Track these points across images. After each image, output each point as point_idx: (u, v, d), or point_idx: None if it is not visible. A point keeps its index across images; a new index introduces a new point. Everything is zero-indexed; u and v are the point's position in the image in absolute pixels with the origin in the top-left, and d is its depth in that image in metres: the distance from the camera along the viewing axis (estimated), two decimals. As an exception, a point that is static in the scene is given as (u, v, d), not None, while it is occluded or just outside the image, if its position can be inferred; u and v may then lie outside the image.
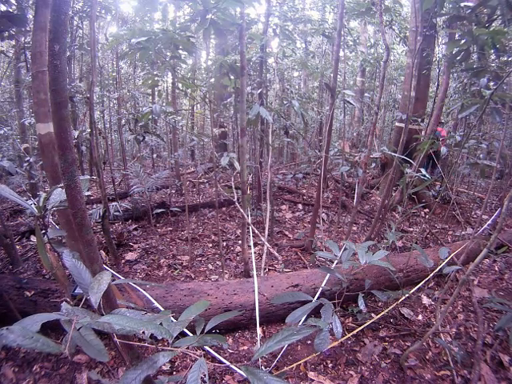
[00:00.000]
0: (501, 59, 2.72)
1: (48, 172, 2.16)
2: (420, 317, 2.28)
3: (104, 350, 0.71)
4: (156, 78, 3.09)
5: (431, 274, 2.25)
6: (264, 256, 2.80)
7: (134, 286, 2.00)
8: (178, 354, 1.60)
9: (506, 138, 6.85)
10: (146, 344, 1.17)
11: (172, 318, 1.04)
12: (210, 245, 3.48)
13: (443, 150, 3.28)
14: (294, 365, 1.76)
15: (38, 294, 1.98)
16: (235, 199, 2.96)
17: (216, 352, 1.70)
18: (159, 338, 0.80)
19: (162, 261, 3.02)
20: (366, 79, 8.26)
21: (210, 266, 3.01)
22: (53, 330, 1.76)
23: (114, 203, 3.68)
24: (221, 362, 1.61)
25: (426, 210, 4.71)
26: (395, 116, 6.24)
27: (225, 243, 3.46)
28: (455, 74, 4.94)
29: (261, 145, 3.94)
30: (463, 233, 3.89)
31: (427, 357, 1.89)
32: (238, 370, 0.88)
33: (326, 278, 2.18)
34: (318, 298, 1.71)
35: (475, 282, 2.61)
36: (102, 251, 3.03)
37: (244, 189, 2.39)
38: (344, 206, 4.54)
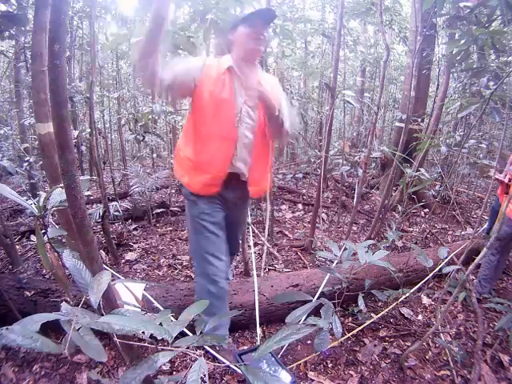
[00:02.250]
0: (500, 59, 2.72)
1: (48, 172, 2.15)
2: (420, 317, 2.28)
3: (102, 350, 0.71)
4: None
5: (431, 274, 2.25)
6: (264, 256, 2.80)
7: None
8: (178, 354, 1.60)
9: (505, 138, 6.85)
10: (146, 344, 1.18)
11: (172, 318, 1.04)
12: (210, 245, 3.47)
13: (443, 149, 3.28)
14: (294, 364, 1.76)
15: (38, 293, 1.97)
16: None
17: (216, 352, 1.70)
18: (159, 338, 0.80)
19: (161, 261, 3.02)
20: (366, 79, 8.25)
21: (210, 266, 3.01)
22: (53, 330, 1.76)
23: (113, 203, 3.67)
24: (221, 362, 1.61)
25: (426, 209, 4.71)
26: (395, 116, 6.24)
27: (225, 243, 3.45)
28: (455, 74, 4.94)
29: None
30: (463, 233, 3.89)
31: (427, 357, 1.89)
32: (238, 370, 0.88)
33: (326, 277, 2.18)
34: (318, 298, 1.71)
35: (475, 282, 2.61)
36: (101, 251, 3.03)
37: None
38: (344, 205, 4.54)
